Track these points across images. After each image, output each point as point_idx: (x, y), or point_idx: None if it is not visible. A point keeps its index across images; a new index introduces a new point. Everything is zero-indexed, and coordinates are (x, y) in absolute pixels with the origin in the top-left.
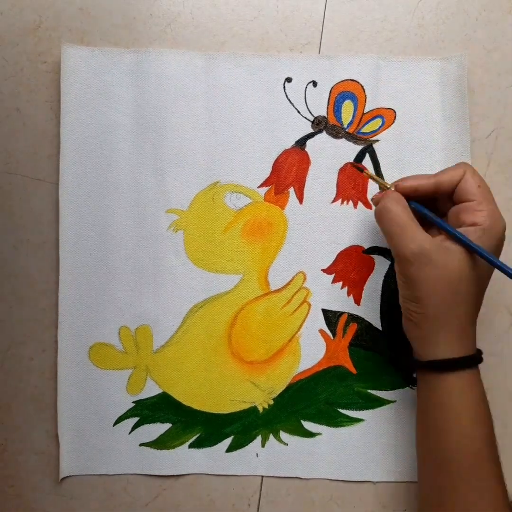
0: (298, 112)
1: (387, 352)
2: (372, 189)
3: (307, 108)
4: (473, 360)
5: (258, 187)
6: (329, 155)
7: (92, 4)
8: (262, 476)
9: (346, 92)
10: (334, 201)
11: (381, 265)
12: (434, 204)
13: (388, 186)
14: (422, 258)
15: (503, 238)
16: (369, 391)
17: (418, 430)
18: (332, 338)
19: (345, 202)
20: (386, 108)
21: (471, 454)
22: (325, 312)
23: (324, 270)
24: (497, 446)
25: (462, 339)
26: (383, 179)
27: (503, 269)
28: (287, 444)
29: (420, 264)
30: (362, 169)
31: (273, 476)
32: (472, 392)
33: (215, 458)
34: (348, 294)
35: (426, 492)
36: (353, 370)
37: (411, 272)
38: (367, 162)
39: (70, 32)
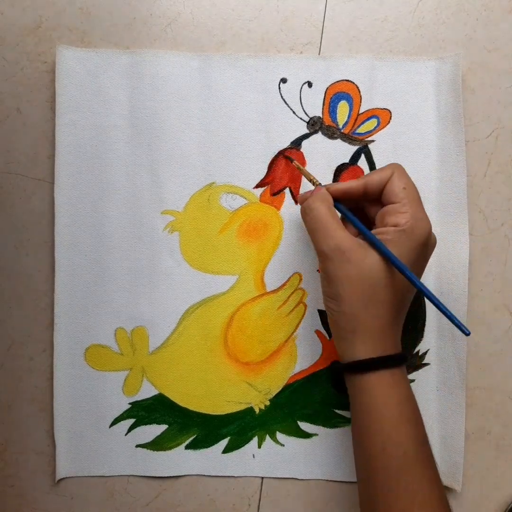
0: (293, 112)
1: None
2: None
3: (302, 108)
4: (392, 360)
5: (254, 188)
6: (325, 155)
7: (92, 4)
8: (262, 477)
9: (341, 93)
10: None
11: None
12: (364, 211)
13: (316, 182)
14: (341, 255)
15: (428, 242)
16: None
17: (352, 434)
18: (328, 338)
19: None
20: (381, 109)
21: (397, 456)
22: (321, 312)
23: (320, 271)
24: (429, 447)
25: (380, 339)
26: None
27: (409, 277)
28: (283, 445)
29: (339, 262)
30: (292, 160)
31: (270, 477)
32: (395, 393)
33: (212, 459)
34: None
35: (363, 497)
36: None
37: (330, 269)
38: (362, 162)
39: (70, 32)
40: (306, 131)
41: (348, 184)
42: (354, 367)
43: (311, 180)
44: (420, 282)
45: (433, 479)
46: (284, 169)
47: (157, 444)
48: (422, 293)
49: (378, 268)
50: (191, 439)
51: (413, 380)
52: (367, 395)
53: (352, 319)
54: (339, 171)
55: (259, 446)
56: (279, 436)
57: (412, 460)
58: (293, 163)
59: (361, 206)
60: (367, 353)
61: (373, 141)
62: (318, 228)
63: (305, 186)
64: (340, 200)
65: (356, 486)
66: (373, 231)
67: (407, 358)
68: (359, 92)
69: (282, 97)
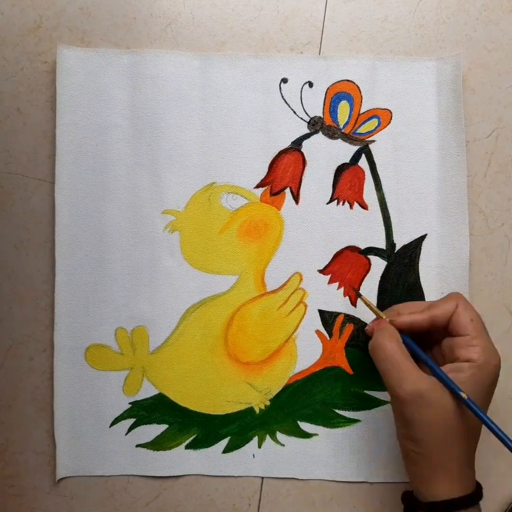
0: (294, 112)
1: None
2: (368, 189)
3: (303, 108)
4: (473, 498)
5: (254, 187)
6: (325, 155)
7: (92, 4)
8: (262, 477)
9: (342, 93)
10: (330, 201)
11: (377, 265)
12: (427, 331)
13: (383, 316)
14: (418, 399)
15: (497, 373)
16: (365, 391)
17: None
18: (328, 338)
19: (341, 203)
20: (382, 109)
21: None
22: (322, 312)
23: (320, 271)
24: None
25: (459, 479)
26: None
27: (488, 424)
28: (283, 445)
29: (417, 405)
30: (360, 294)
31: (270, 477)
32: None
33: (212, 459)
34: (344, 295)
35: None
36: (350, 371)
37: (407, 413)
38: (363, 162)
39: (70, 32)
40: (306, 131)
41: (412, 317)
42: (434, 507)
43: (379, 315)
44: (502, 431)
45: None
46: (285, 169)
47: (157, 444)
48: (496, 436)
49: (456, 409)
50: (191, 439)
51: None
52: None
53: (433, 459)
54: (340, 171)
55: (259, 446)
56: (279, 436)
57: None
58: (360, 297)
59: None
60: (445, 493)
61: (373, 141)
62: (390, 369)
63: (306, 186)
64: (404, 331)
65: (356, 486)
66: (446, 367)
67: (482, 494)
68: (360, 92)
69: (282, 97)
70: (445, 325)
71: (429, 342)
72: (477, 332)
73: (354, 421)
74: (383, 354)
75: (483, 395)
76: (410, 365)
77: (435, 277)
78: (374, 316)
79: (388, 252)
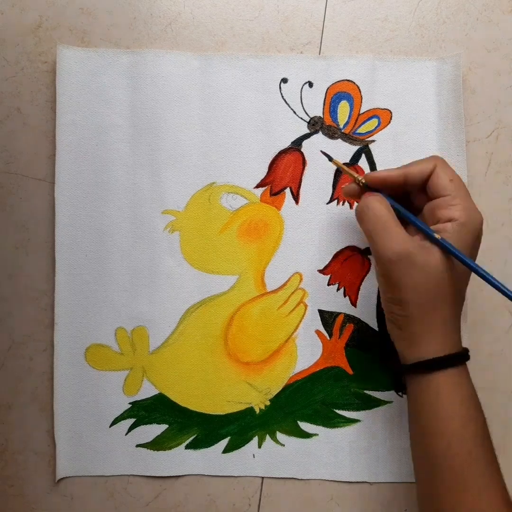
0: (294, 112)
1: (381, 352)
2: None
3: (303, 108)
4: (460, 357)
5: (254, 187)
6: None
7: (92, 4)
8: (262, 477)
9: (342, 93)
10: (330, 201)
11: None
12: (409, 199)
13: (357, 176)
14: (405, 260)
15: (480, 233)
16: (365, 391)
17: (411, 435)
18: (328, 338)
19: (341, 203)
20: (382, 109)
21: (462, 454)
22: (322, 312)
23: (320, 271)
24: (491, 444)
25: (447, 337)
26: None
27: (478, 271)
28: (283, 445)
29: (404, 267)
30: (331, 158)
31: (270, 477)
32: (462, 391)
33: (212, 459)
34: (345, 295)
35: (424, 495)
36: (350, 371)
37: (394, 274)
38: (363, 162)
39: (70, 32)
40: (306, 131)
41: (386, 172)
42: (421, 366)
43: (354, 177)
44: (487, 273)
45: (496, 475)
46: (285, 169)
47: (157, 444)
48: (489, 283)
49: (442, 268)
50: (191, 439)
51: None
52: (433, 395)
53: (418, 322)
54: (340, 171)
55: (259, 446)
56: (279, 436)
57: (476, 457)
58: (332, 162)
59: (405, 195)
60: (433, 352)
61: (373, 141)
62: (378, 229)
63: (306, 187)
64: (380, 190)
65: (356, 486)
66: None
67: (468, 356)
68: (360, 92)
69: (282, 97)
70: (421, 185)
71: (412, 212)
72: (457, 191)
73: (354, 421)
74: (372, 215)
75: (466, 252)
76: (398, 226)
77: None
78: (374, 316)
79: None
